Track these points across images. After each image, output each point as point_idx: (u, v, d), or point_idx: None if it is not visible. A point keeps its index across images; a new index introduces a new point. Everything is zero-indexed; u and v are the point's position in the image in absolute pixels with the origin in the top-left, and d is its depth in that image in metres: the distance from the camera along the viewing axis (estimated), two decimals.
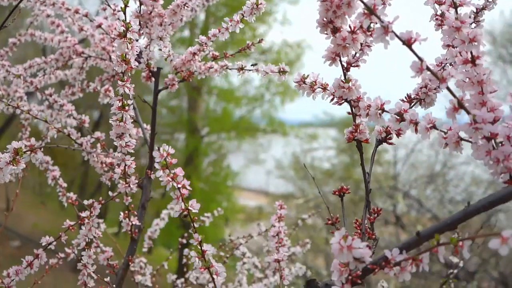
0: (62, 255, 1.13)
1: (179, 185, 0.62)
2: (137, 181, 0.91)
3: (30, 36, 1.30)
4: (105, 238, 1.11)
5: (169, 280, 1.34)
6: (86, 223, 0.89)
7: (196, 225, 0.65)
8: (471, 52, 0.54)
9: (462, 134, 0.55)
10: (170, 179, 0.62)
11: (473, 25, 0.73)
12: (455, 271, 1.15)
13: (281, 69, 0.85)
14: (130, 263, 0.99)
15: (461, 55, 0.54)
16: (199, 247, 0.65)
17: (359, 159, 0.66)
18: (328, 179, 8.85)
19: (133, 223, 0.98)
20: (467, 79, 0.55)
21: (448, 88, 0.51)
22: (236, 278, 1.32)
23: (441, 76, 0.51)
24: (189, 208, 0.63)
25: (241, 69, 0.95)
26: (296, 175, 9.87)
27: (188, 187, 0.62)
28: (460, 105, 0.52)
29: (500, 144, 0.52)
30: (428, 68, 0.51)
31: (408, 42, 0.51)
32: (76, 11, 1.12)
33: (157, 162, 0.61)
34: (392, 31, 0.50)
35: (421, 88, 0.68)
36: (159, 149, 0.60)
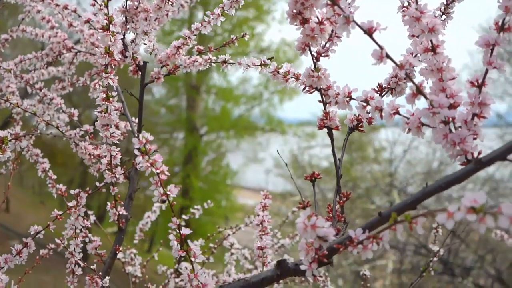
0: (53, 245, 1.16)
1: (158, 171, 0.65)
2: (123, 171, 0.94)
3: (22, 32, 1.32)
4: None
5: (159, 271, 1.37)
6: (73, 212, 0.92)
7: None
8: (431, 41, 0.56)
9: (424, 120, 0.58)
10: (149, 165, 0.64)
11: (443, 16, 0.75)
12: (435, 259, 1.17)
13: (263, 62, 0.88)
14: (117, 252, 1.02)
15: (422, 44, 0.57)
16: (178, 231, 0.67)
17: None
18: (326, 177, 8.89)
19: (120, 213, 1.00)
20: (429, 67, 0.57)
21: (407, 75, 0.54)
22: (225, 269, 1.35)
23: (400, 63, 0.53)
24: (168, 192, 0.66)
25: (224, 62, 0.97)
26: (295, 173, 9.91)
27: (167, 173, 0.65)
28: (418, 91, 0.54)
29: (458, 128, 0.55)
30: (387, 56, 0.53)
31: (369, 31, 0.53)
32: (65, 7, 1.14)
33: (136, 149, 0.64)
34: (353, 21, 0.53)
35: (391, 77, 0.71)
36: (138, 136, 0.63)
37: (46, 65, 1.23)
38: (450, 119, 0.54)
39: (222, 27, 9.76)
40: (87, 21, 1.10)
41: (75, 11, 1.15)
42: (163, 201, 0.67)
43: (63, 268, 1.01)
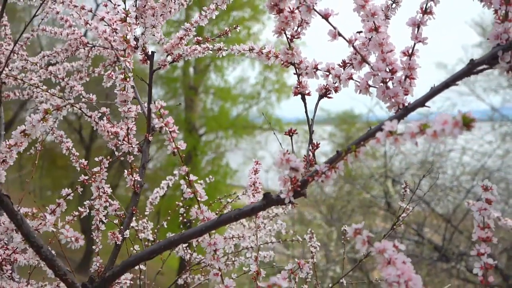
0: (76, 213, 1.35)
1: (170, 129, 0.84)
2: (138, 142, 1.13)
3: (42, 31, 1.51)
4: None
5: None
6: (98, 175, 1.11)
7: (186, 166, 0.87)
8: (374, 23, 0.75)
9: (370, 82, 0.77)
10: (164, 125, 0.83)
11: (393, 5, 0.94)
12: (403, 214, 1.36)
13: (251, 48, 1.07)
14: (134, 212, 1.20)
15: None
16: (187, 178, 0.86)
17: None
18: None
19: (136, 179, 1.19)
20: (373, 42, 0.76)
21: (353, 47, 0.73)
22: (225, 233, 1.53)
23: (349, 39, 0.72)
24: (178, 146, 0.85)
25: (219, 49, 1.16)
26: None
27: (177, 131, 0.84)
28: (363, 59, 0.73)
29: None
30: (339, 34, 0.72)
31: (326, 16, 0.72)
32: (82, 8, 1.33)
33: (153, 112, 0.82)
34: (313, 9, 0.72)
35: (352, 54, 0.90)
36: (154, 102, 0.82)
37: (65, 59, 1.42)
38: (387, 79, 0.73)
39: (219, 27, 9.94)
40: (102, 19, 1.29)
41: (91, 11, 1.34)
42: (174, 154, 0.86)
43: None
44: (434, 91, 0.68)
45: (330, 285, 1.58)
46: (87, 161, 1.22)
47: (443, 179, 7.23)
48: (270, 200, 0.79)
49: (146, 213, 1.60)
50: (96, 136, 10.66)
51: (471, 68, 0.66)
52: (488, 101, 8.74)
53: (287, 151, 0.72)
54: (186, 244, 1.61)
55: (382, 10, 0.88)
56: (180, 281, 1.62)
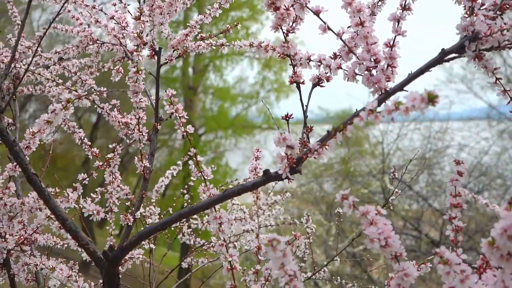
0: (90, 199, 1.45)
1: (180, 115, 0.94)
2: (147, 131, 1.23)
3: (53, 28, 1.61)
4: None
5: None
6: (111, 161, 1.21)
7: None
8: (360, 18, 0.85)
9: (357, 71, 0.87)
10: (174, 111, 0.93)
11: (380, 2, 1.04)
12: (393, 197, 1.46)
13: (251, 43, 1.17)
14: (143, 196, 1.30)
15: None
16: (195, 158, 0.96)
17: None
18: (324, 172, 9.20)
19: (145, 165, 1.29)
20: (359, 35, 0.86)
21: (341, 39, 0.83)
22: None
23: (337, 32, 0.83)
24: (187, 130, 0.95)
25: (222, 45, 1.27)
26: None
27: (186, 117, 0.94)
28: (350, 50, 0.83)
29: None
30: (328, 28, 0.82)
31: (317, 13, 0.83)
32: (93, 7, 1.43)
33: (165, 100, 0.92)
34: (306, 6, 0.82)
35: (341, 47, 1.00)
36: (166, 90, 0.92)
37: (77, 55, 1.52)
38: (372, 68, 0.83)
39: (217, 28, 10.04)
40: (112, 17, 1.39)
41: (101, 10, 1.44)
42: (183, 137, 0.96)
43: None
44: (411, 77, 0.78)
45: (328, 278, 1.69)
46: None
47: (441, 175, 7.36)
48: (269, 176, 0.89)
49: (152, 200, 1.70)
50: (96, 136, 10.77)
51: (442, 57, 0.76)
52: (485, 98, 8.86)
53: (284, 131, 0.82)
54: (191, 229, 1.71)
55: (369, 7, 0.98)
56: (184, 265, 1.72)
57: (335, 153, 10.15)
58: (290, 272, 0.68)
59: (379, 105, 0.82)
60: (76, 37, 1.57)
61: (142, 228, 0.98)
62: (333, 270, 6.23)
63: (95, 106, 1.37)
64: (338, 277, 1.82)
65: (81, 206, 0.93)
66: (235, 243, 1.62)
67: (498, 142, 8.16)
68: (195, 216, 1.80)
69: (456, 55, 0.77)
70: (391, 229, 0.70)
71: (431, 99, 0.59)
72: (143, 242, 1.70)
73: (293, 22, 0.93)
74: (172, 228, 1.75)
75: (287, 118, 0.97)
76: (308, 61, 0.92)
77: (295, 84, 1.00)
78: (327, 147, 0.81)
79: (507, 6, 0.78)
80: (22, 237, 1.18)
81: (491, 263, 0.70)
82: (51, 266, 1.03)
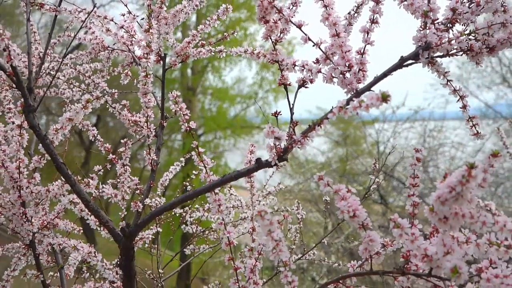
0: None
1: (184, 113, 1.10)
2: (155, 128, 1.39)
3: (67, 36, 1.77)
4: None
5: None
6: (123, 154, 1.37)
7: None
8: (336, 30, 1.02)
9: (334, 74, 1.03)
10: (178, 110, 1.10)
11: (355, 14, 1.20)
12: (374, 186, 1.62)
13: (246, 50, 1.33)
14: (151, 186, 1.47)
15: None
16: (197, 150, 1.12)
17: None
18: (322, 170, 9.37)
19: (153, 158, 1.45)
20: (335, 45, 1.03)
21: (320, 48, 0.99)
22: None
23: (316, 42, 0.99)
24: (190, 126, 1.11)
25: (220, 51, 1.43)
26: (292, 170, 10.32)
27: (189, 114, 1.10)
28: (327, 57, 1.00)
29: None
30: (309, 39, 0.99)
31: (299, 26, 0.99)
32: (105, 17, 1.59)
33: (170, 100, 1.09)
34: (290, 21, 0.98)
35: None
36: (171, 92, 1.08)
37: (89, 60, 1.68)
38: (345, 72, 0.99)
39: (216, 29, 10.21)
40: (122, 27, 1.55)
41: (112, 20, 1.60)
42: (187, 131, 1.12)
43: None
44: (376, 80, 0.94)
45: (325, 272, 1.84)
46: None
47: (436, 173, 7.53)
48: (260, 163, 1.05)
49: (157, 192, 1.86)
50: (96, 138, 10.90)
51: (402, 62, 0.93)
52: (481, 97, 9.04)
53: (273, 126, 0.99)
54: (192, 218, 1.87)
55: (346, 18, 1.15)
56: (187, 251, 1.88)
57: (333, 152, 10.33)
58: (276, 238, 0.84)
59: (348, 103, 0.98)
60: (88, 45, 1.73)
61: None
62: (331, 268, 6.39)
63: (107, 106, 1.53)
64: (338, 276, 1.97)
65: (101, 190, 1.10)
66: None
67: (494, 139, 8.33)
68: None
69: (413, 61, 0.93)
70: (358, 203, 0.86)
71: (384, 98, 0.76)
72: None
73: (280, 33, 1.09)
74: (177, 214, 1.91)
75: (276, 115, 1.14)
76: (293, 66, 1.08)
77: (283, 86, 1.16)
78: (308, 138, 0.98)
79: (456, 20, 0.95)
80: (45, 222, 1.34)
81: (440, 230, 0.86)
82: (73, 245, 1.20)
